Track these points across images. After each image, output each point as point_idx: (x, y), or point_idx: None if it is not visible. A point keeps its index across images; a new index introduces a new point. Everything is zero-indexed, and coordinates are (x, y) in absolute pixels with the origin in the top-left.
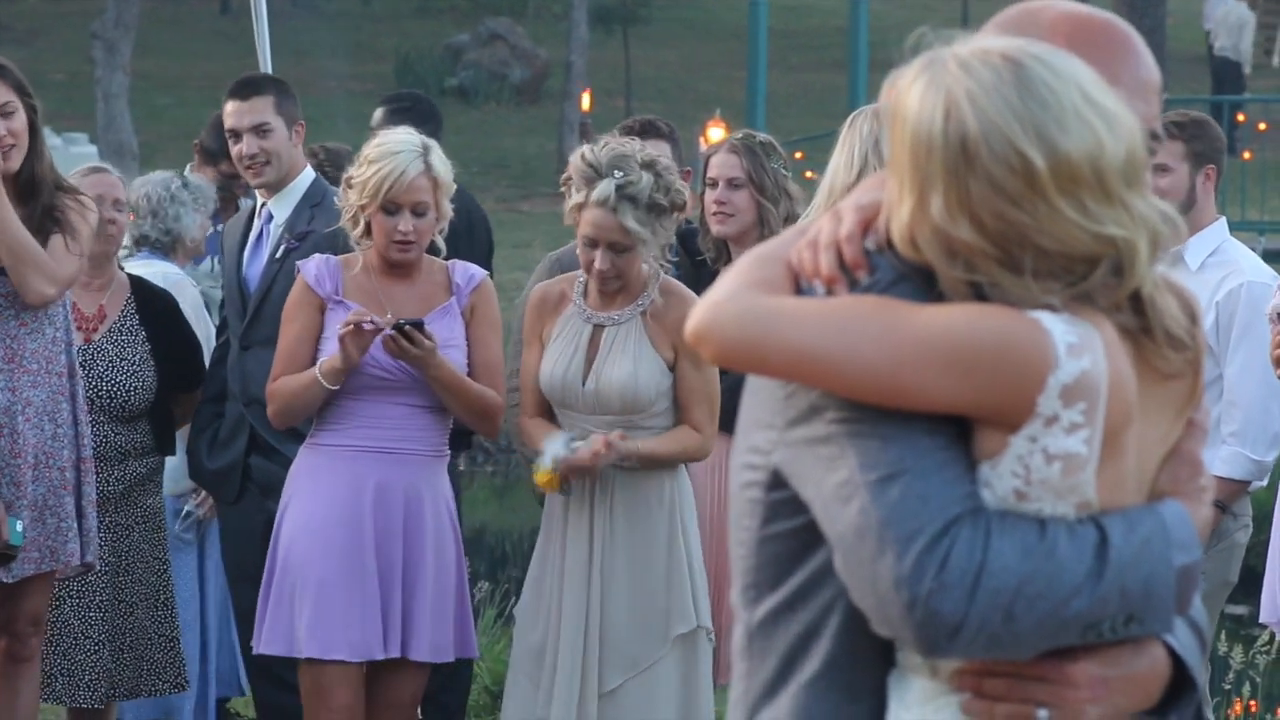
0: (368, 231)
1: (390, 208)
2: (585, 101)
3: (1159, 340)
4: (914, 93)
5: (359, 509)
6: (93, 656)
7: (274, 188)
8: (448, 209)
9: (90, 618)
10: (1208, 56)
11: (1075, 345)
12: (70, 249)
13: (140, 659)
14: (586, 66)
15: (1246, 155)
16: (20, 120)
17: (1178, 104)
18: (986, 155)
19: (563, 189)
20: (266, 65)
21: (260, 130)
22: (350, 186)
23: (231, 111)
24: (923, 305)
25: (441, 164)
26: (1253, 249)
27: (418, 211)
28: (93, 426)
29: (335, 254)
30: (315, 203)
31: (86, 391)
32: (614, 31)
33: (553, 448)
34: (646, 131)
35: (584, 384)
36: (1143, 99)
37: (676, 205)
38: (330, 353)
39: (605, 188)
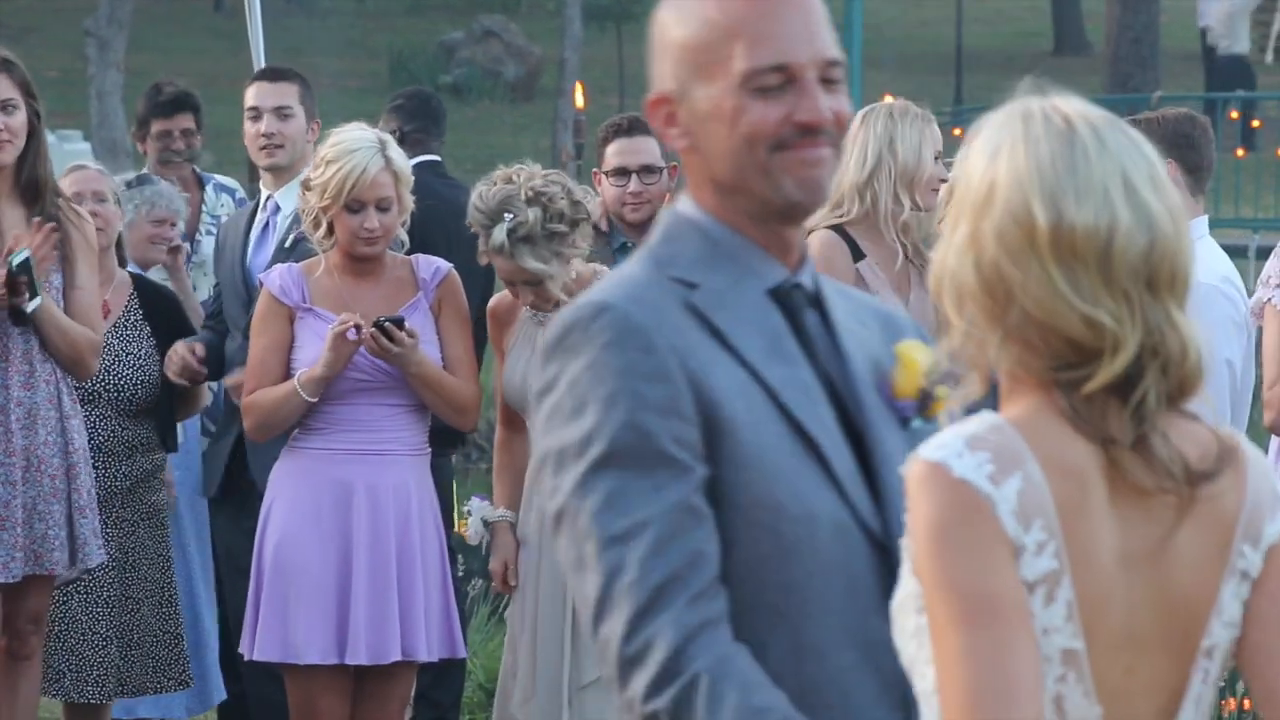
0: (329, 232)
1: (354, 205)
2: (579, 98)
3: (1154, 461)
4: (981, 135)
5: (349, 513)
6: (100, 653)
7: (280, 176)
8: (409, 202)
9: (97, 614)
10: (1201, 54)
11: (993, 473)
12: (91, 281)
13: (146, 656)
14: (580, 63)
15: (1240, 152)
16: (20, 119)
17: (1171, 101)
18: (1001, 202)
19: (474, 231)
20: (260, 62)
21: (282, 112)
22: (309, 189)
23: (256, 92)
24: None
25: (400, 157)
26: (1245, 246)
27: (381, 207)
28: (99, 421)
29: None
30: None
31: (92, 385)
32: (607, 28)
33: (474, 523)
34: (634, 128)
35: None
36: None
37: (580, 219)
38: (305, 363)
39: (498, 235)
